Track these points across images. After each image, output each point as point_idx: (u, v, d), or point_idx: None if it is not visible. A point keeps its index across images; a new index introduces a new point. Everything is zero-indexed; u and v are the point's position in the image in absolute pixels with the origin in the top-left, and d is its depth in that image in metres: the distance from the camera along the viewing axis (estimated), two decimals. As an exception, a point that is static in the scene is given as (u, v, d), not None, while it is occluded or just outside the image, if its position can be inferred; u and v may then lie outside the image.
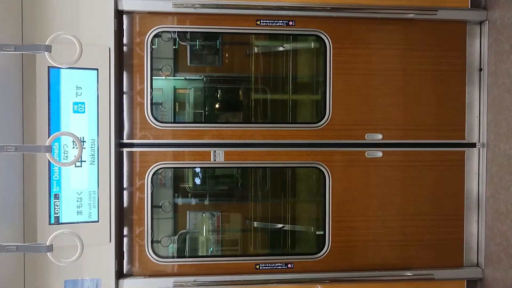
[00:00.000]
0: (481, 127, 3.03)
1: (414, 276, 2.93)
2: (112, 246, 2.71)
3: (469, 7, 2.99)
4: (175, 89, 3.48)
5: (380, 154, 2.99)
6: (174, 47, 3.37)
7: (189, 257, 3.30)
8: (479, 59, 3.05)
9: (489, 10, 2.96)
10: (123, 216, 2.86)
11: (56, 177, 2.60)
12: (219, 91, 3.70)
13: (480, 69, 3.04)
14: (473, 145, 3.05)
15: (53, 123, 2.59)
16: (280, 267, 2.95)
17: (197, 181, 3.67)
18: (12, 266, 2.56)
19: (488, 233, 2.98)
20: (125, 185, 2.86)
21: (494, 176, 2.92)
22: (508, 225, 2.77)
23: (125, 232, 2.87)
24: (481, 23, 3.03)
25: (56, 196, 2.61)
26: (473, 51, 3.05)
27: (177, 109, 3.50)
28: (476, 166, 3.06)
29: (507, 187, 2.78)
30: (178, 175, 3.56)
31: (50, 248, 2.25)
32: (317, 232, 3.25)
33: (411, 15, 2.91)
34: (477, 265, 3.07)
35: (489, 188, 2.98)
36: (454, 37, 3.03)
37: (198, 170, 3.60)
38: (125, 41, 2.84)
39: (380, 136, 2.98)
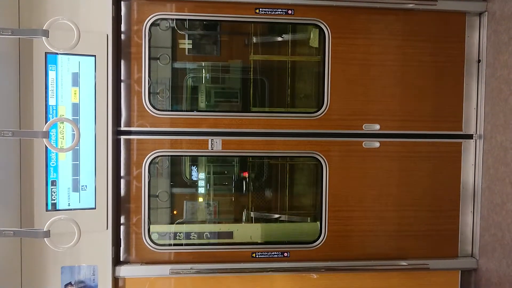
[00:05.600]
0: (479, 118, 3.04)
1: (409, 265, 2.96)
2: (109, 233, 2.72)
3: (469, -2, 3.00)
4: (172, 77, 3.47)
5: (377, 144, 3.00)
6: (172, 35, 3.35)
7: (185, 245, 3.32)
8: (478, 51, 3.05)
9: (489, 2, 2.96)
10: (120, 204, 2.87)
11: (53, 163, 2.59)
12: (217, 80, 3.69)
13: (479, 61, 3.05)
14: (470, 136, 3.06)
15: (50, 109, 2.58)
16: (276, 255, 2.97)
17: (195, 170, 3.67)
18: (9, 253, 2.56)
19: (483, 224, 3.00)
20: (122, 173, 2.86)
21: (490, 167, 2.94)
22: (503, 216, 2.79)
23: (122, 220, 2.87)
24: (480, 14, 3.02)
25: (53, 183, 2.61)
26: (472, 42, 3.05)
27: (174, 98, 3.49)
28: (472, 157, 3.07)
29: (503, 179, 2.80)
30: (176, 164, 3.56)
31: (47, 234, 2.25)
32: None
33: (410, 5, 2.90)
34: (472, 255, 3.10)
35: (485, 180, 2.99)
36: (453, 28, 3.03)
37: (195, 159, 3.60)
38: (123, 28, 2.82)
39: (377, 127, 2.99)
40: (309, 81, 3.55)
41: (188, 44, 3.56)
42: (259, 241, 3.22)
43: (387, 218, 3.04)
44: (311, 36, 3.28)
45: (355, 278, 2.99)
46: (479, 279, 3.01)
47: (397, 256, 3.03)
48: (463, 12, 3.01)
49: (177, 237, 3.23)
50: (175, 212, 3.53)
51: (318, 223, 3.02)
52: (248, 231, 3.32)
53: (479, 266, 3.03)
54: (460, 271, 3.07)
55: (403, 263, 2.96)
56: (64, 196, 2.63)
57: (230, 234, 3.27)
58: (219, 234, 3.49)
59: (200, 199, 3.73)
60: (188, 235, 3.53)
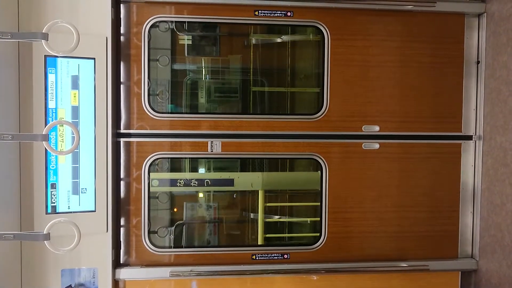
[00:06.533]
0: (478, 119, 3.05)
1: (409, 267, 2.96)
2: (109, 235, 2.72)
3: (468, -1, 3.00)
4: (172, 79, 3.47)
5: (377, 146, 3.00)
6: (171, 37, 3.35)
7: (186, 247, 3.32)
8: (477, 52, 3.05)
9: (488, 3, 2.96)
10: (120, 206, 2.87)
11: (53, 166, 2.59)
12: (217, 82, 3.70)
13: (478, 62, 3.05)
14: (469, 137, 3.07)
15: (49, 111, 2.58)
16: (276, 257, 2.97)
17: (194, 172, 3.67)
18: (9, 256, 2.56)
19: (483, 225, 3.00)
20: (122, 175, 2.86)
21: (489, 168, 2.94)
22: (502, 217, 2.79)
23: (122, 222, 2.88)
24: (479, 15, 3.03)
25: (53, 186, 2.61)
26: (471, 43, 3.05)
27: (174, 99, 3.49)
28: (472, 158, 3.07)
29: (503, 180, 2.80)
30: (175, 166, 3.55)
31: (47, 237, 2.25)
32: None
33: (409, 7, 2.91)
34: (472, 256, 3.10)
35: (484, 181, 3.00)
36: (452, 30, 3.03)
37: (195, 161, 3.59)
38: (122, 30, 2.82)
39: (377, 128, 2.99)
40: (309, 61, 3.52)
41: (187, 45, 3.56)
42: (259, 189, 3.23)
43: (387, 219, 3.04)
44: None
45: (355, 280, 2.99)
46: (479, 280, 3.01)
47: (397, 257, 3.03)
48: (461, 13, 3.01)
49: (178, 184, 3.19)
50: (175, 209, 3.53)
51: (319, 172, 3.00)
52: (248, 179, 3.28)
53: (479, 267, 3.03)
54: (460, 272, 3.07)
55: (403, 264, 2.97)
56: (64, 199, 2.63)
57: (230, 182, 3.23)
58: (219, 237, 3.47)
59: (200, 199, 3.72)
60: (188, 237, 3.53)
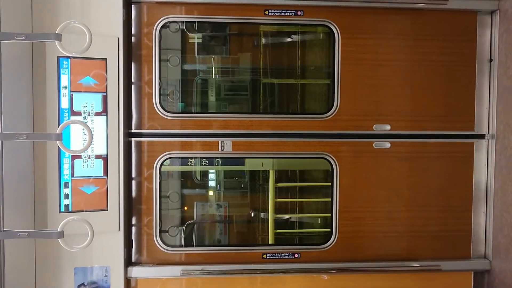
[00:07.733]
0: (491, 118, 3.01)
1: (421, 267, 2.94)
2: (121, 234, 2.74)
3: (480, -4, 2.96)
4: (182, 79, 3.49)
5: (388, 145, 2.98)
6: (182, 37, 3.37)
7: (196, 246, 3.33)
8: (490, 50, 3.02)
9: (501, 0, 2.92)
10: (132, 206, 2.89)
11: (66, 166, 2.63)
12: (227, 81, 3.71)
13: (490, 60, 3.01)
14: (482, 136, 3.03)
15: (63, 112, 2.61)
16: (287, 257, 2.97)
17: (205, 171, 3.68)
18: (24, 254, 2.60)
19: (496, 225, 2.96)
20: (133, 175, 2.88)
21: (503, 167, 2.90)
22: (516, 216, 2.75)
23: (134, 221, 2.90)
24: (492, 12, 2.99)
25: (66, 185, 2.64)
26: (483, 41, 3.02)
27: (184, 99, 3.51)
28: (485, 157, 3.04)
29: (516, 179, 2.76)
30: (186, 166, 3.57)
31: (61, 235, 2.28)
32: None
33: (421, 5, 2.89)
34: (485, 256, 3.06)
35: (497, 180, 2.96)
36: (465, 27, 3.00)
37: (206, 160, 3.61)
38: (133, 31, 2.85)
39: (388, 127, 2.97)
40: (319, 59, 3.52)
41: (197, 45, 3.58)
42: (270, 169, 3.22)
43: (399, 219, 3.02)
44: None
45: (366, 279, 2.98)
46: (492, 280, 2.98)
47: (409, 257, 3.01)
48: (474, 11, 2.98)
49: (189, 163, 3.15)
50: (185, 208, 3.55)
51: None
52: (259, 159, 3.23)
53: (492, 267, 2.99)
54: (472, 272, 3.04)
55: (415, 264, 2.94)
56: (77, 198, 2.66)
57: (241, 161, 3.19)
58: (230, 236, 3.46)
59: (210, 198, 3.74)
60: (199, 236, 3.55)
